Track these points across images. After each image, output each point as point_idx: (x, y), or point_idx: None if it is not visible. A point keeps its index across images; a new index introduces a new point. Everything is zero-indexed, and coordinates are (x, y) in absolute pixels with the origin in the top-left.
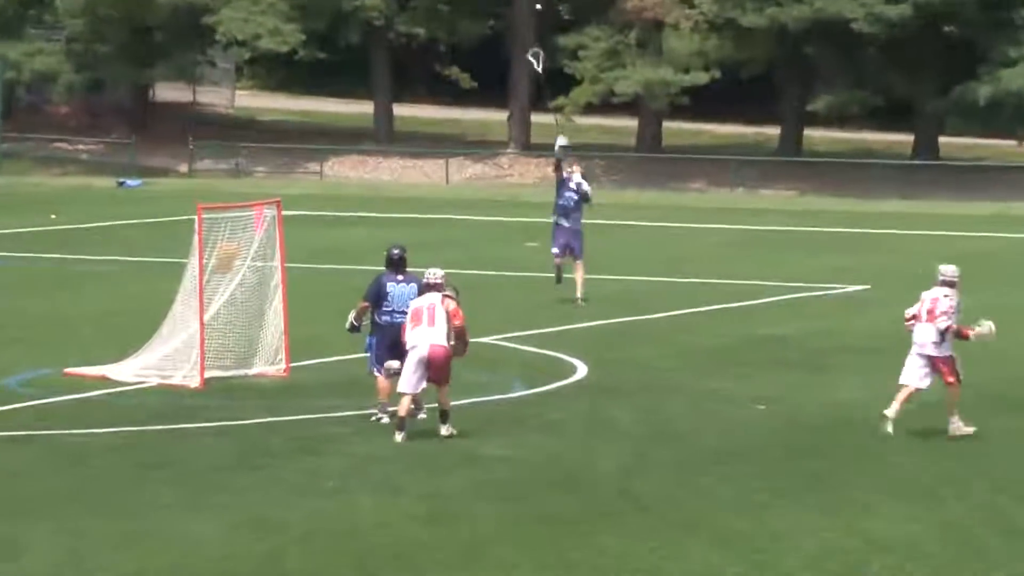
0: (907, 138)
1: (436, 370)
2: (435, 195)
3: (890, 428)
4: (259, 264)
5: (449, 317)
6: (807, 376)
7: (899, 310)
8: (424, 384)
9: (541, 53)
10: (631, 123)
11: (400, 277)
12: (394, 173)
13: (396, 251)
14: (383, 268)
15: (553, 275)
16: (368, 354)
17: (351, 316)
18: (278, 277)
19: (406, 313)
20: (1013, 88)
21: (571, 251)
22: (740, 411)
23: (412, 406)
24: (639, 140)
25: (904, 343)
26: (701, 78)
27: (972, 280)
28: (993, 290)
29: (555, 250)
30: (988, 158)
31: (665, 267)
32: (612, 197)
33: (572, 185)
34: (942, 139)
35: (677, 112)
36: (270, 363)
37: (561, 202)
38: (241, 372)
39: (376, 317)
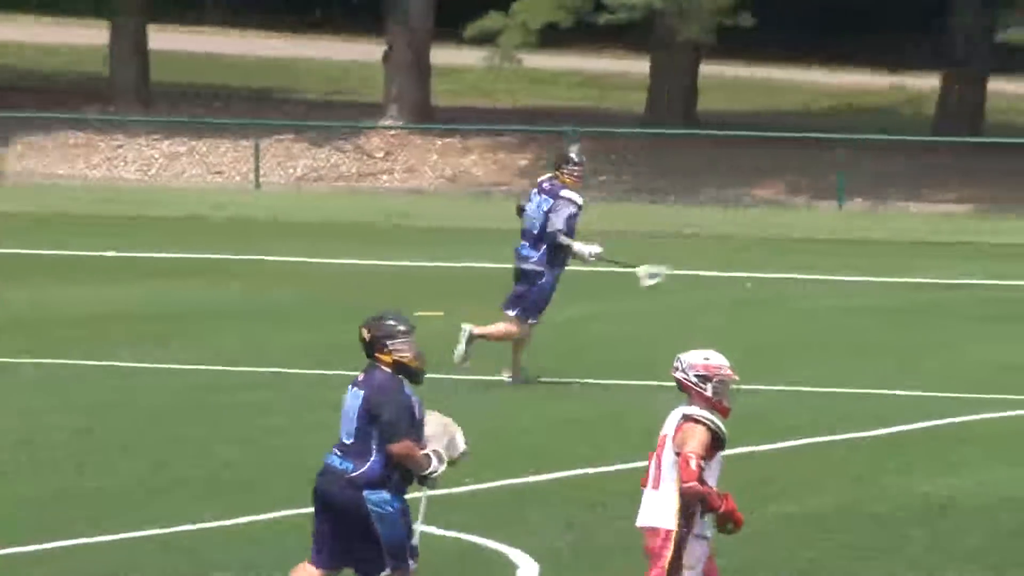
0: None
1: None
2: (232, 211)
3: None
4: None
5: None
6: None
7: None
8: None
9: None
10: (637, 67)
11: (360, 376)
12: (148, 167)
13: (370, 325)
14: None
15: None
16: None
17: None
18: None
19: (342, 449)
20: None
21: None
22: None
23: None
24: (652, 103)
25: None
26: None
27: None
28: None
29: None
30: None
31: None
32: (605, 213)
33: (536, 201)
34: None
35: (730, 48)
36: None
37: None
38: None
39: None
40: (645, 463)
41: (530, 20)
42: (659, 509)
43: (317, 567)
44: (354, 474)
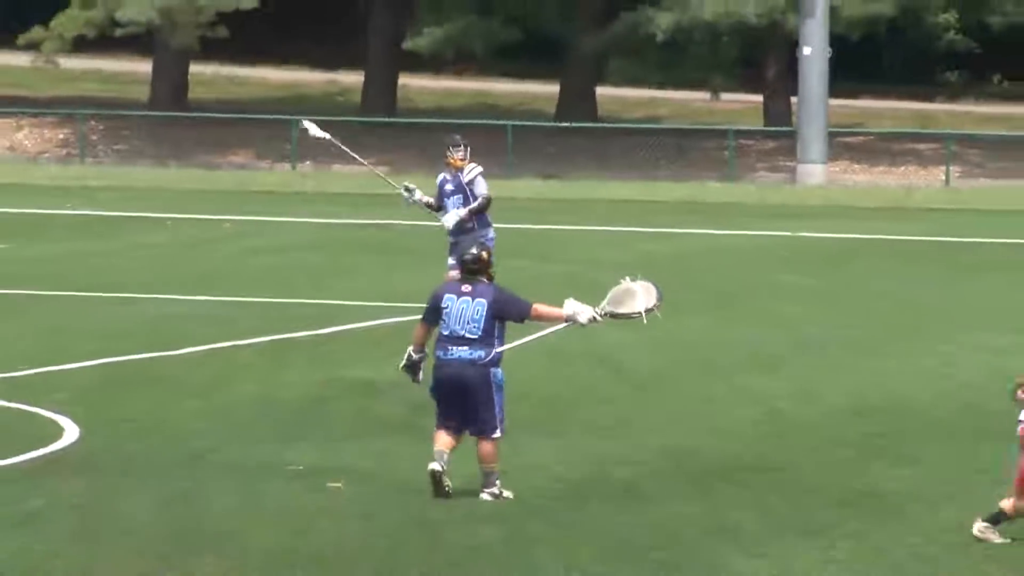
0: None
1: None
2: None
3: None
4: None
5: None
6: (401, 442)
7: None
8: None
9: None
10: (143, 67)
11: (467, 288)
12: None
13: (471, 252)
14: None
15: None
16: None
17: (410, 348)
18: None
19: (466, 343)
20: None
21: None
22: (312, 497)
23: None
24: (153, 94)
25: None
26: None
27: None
28: (694, 312)
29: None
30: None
31: (196, 284)
32: (122, 174)
33: (459, 182)
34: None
35: (211, 52)
36: None
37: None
38: None
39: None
40: None
41: (65, 32)
42: None
43: (448, 434)
44: (486, 359)
